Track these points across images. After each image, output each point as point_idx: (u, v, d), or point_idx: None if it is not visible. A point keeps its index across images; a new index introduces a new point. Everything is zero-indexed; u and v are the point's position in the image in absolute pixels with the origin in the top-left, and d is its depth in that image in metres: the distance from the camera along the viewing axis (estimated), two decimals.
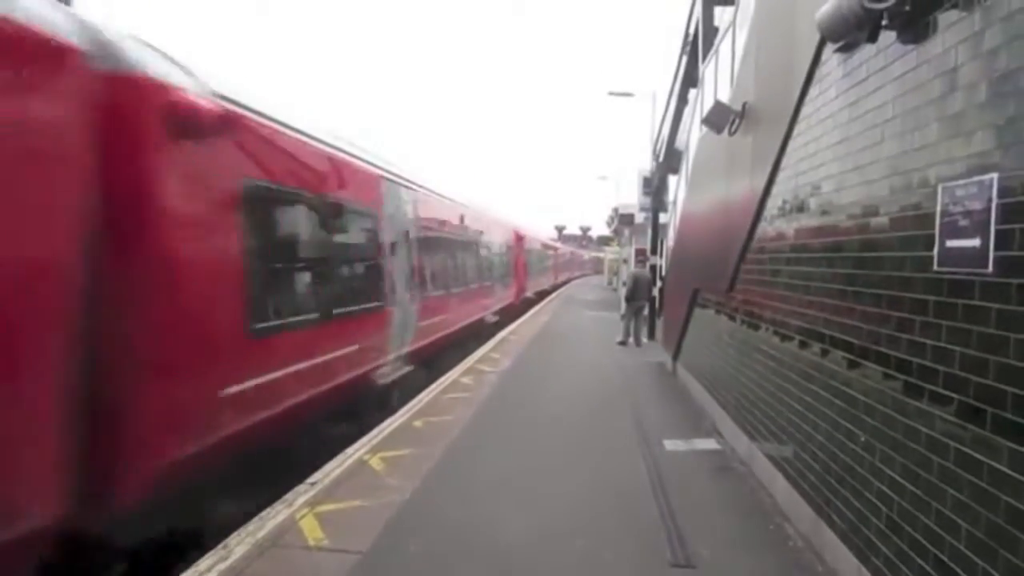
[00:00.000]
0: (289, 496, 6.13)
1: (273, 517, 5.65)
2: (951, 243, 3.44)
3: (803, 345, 5.60)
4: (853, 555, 4.44)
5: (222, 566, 4.71)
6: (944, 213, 3.50)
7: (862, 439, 4.34)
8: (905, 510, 3.79)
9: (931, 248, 3.59)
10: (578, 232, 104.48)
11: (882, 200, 4.23)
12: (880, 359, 4.14)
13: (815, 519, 5.14)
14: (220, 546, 5.05)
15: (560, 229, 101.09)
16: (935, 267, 3.56)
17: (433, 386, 11.50)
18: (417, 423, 8.98)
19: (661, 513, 5.90)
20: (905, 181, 3.95)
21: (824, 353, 5.09)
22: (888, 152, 4.18)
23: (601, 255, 70.68)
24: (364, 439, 8.06)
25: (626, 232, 33.14)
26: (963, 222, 3.33)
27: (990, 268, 3.11)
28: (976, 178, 3.24)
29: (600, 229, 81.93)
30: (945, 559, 3.37)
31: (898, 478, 3.88)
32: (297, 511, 5.80)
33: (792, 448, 5.74)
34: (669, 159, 17.79)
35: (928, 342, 3.60)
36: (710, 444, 8.24)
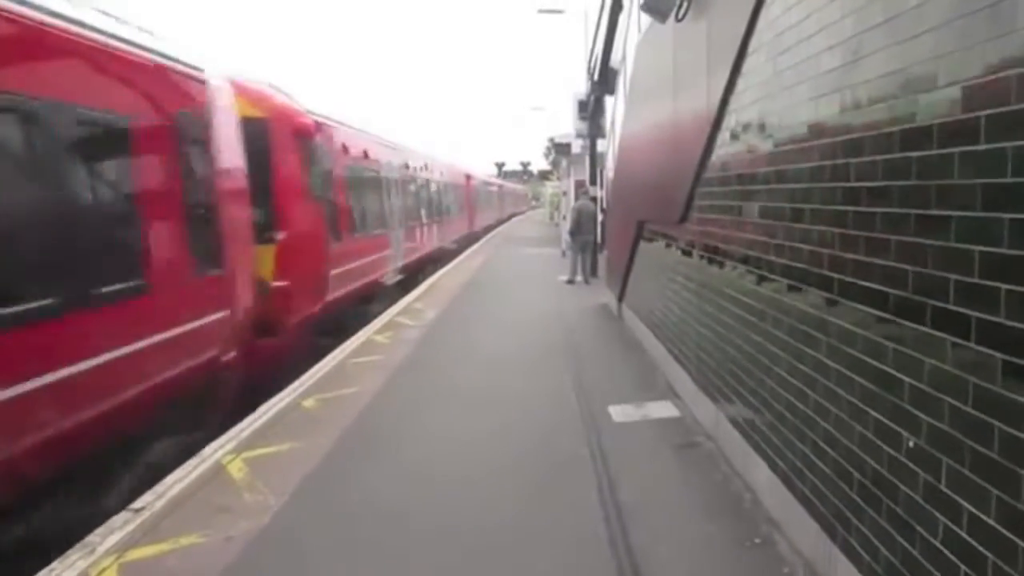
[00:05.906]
0: (95, 537, 4.37)
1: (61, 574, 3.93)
2: None
3: (793, 290, 4.04)
4: None
5: None
6: None
7: (911, 444, 2.80)
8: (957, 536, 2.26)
9: None
10: (519, 168, 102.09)
11: (946, 61, 2.59)
12: (916, 314, 2.57)
13: (818, 532, 3.66)
14: None
15: (500, 165, 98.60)
16: None
17: (339, 349, 9.74)
18: (308, 402, 7.27)
19: (608, 525, 4.38)
20: (991, 19, 2.31)
21: (831, 304, 3.53)
22: None
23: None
24: (232, 431, 6.28)
25: (564, 163, 31.49)
26: None
27: None
28: None
29: (540, 163, 79.82)
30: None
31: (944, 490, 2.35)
32: (99, 561, 4.09)
33: (780, 431, 4.22)
34: (605, 78, 15.89)
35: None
36: (666, 410, 6.75)
